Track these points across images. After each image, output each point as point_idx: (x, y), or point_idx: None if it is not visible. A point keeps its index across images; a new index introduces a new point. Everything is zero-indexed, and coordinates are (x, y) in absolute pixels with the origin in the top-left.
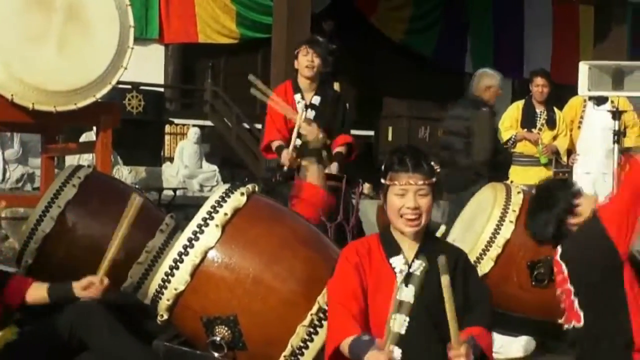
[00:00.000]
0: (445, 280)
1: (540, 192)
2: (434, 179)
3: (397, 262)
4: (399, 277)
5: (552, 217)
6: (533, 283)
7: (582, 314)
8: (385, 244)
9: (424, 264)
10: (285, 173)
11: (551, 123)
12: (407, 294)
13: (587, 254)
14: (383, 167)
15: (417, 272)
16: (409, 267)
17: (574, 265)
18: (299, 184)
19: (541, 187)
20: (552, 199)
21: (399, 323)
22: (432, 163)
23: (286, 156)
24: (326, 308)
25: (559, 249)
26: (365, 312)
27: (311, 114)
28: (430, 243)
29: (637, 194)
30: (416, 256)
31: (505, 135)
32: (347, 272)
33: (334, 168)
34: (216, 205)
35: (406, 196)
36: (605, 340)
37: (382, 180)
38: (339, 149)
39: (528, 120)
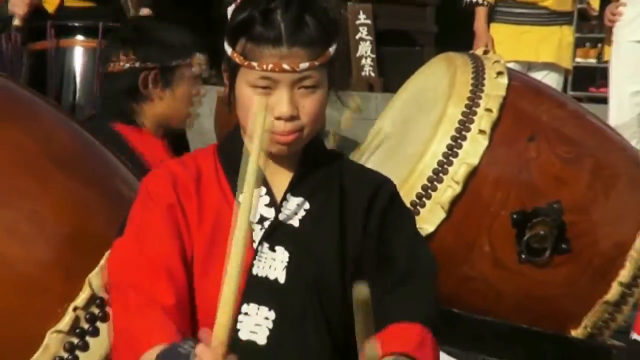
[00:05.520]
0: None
1: None
2: (331, 49)
3: (255, 201)
4: (258, 232)
5: None
6: (522, 256)
7: None
8: (231, 166)
9: (307, 206)
10: (29, 30)
11: None
12: (273, 264)
13: None
14: (230, 19)
15: (295, 222)
16: (278, 211)
17: None
18: None
19: None
20: None
21: (254, 322)
22: (327, 7)
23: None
24: (105, 296)
25: None
26: (186, 300)
27: None
28: (321, 167)
29: None
30: (291, 190)
31: None
32: (151, 224)
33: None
34: None
35: (274, 92)
36: None
37: (228, 50)
38: None
39: None
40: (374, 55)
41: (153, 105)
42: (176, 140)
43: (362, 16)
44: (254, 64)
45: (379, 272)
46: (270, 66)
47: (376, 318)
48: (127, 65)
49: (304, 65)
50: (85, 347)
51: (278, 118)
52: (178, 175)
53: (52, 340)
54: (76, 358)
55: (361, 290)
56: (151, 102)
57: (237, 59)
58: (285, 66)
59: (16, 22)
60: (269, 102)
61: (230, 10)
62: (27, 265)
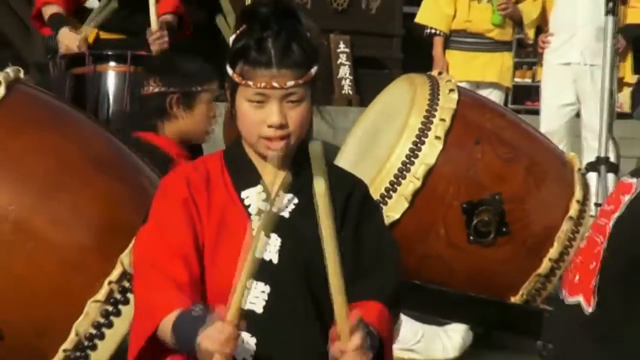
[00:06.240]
0: (320, 187)
1: None
2: (313, 70)
3: (253, 197)
4: (256, 221)
5: None
6: (471, 238)
7: (596, 299)
8: (234, 168)
9: (296, 200)
10: (72, 58)
11: None
12: (269, 248)
13: None
14: (230, 45)
15: (286, 213)
16: (272, 204)
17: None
18: None
19: None
20: None
21: (253, 295)
22: (310, 36)
23: (72, 39)
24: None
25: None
26: (198, 281)
27: None
28: (307, 167)
29: None
30: (284, 187)
31: (427, 18)
32: (169, 216)
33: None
34: None
35: (266, 106)
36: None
37: (229, 71)
38: (165, 17)
39: None
40: (351, 77)
41: (175, 123)
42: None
43: (342, 45)
44: (250, 82)
45: (353, 257)
46: (263, 84)
47: (348, 295)
48: (156, 89)
49: (291, 83)
50: (118, 313)
51: (270, 126)
52: (191, 176)
53: (92, 309)
54: (111, 322)
55: (314, 147)
56: (174, 120)
57: (237, 78)
58: (275, 84)
59: (62, 51)
60: (262, 116)
61: (231, 39)
62: (71, 248)
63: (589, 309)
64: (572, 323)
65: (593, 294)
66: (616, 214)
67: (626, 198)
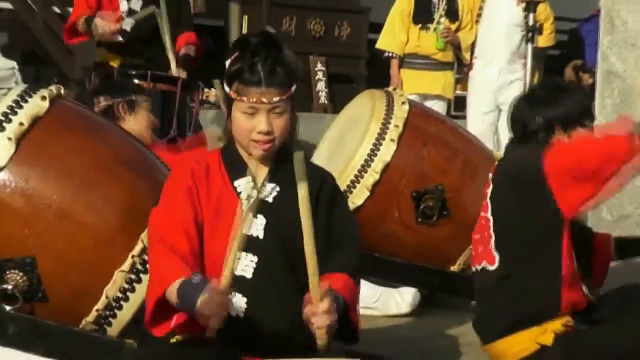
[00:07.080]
0: (302, 190)
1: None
2: (292, 89)
3: (243, 185)
4: (245, 205)
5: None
6: (419, 219)
7: (497, 256)
8: (228, 162)
9: (278, 189)
10: (103, 73)
11: (452, 14)
12: (255, 226)
13: (524, 208)
14: (227, 68)
15: (270, 199)
16: (259, 192)
17: (503, 207)
18: None
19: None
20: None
21: (244, 264)
22: (290, 61)
23: (106, 23)
24: None
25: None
26: (199, 254)
27: (137, 3)
28: (287, 163)
29: (611, 167)
30: (268, 179)
31: (385, 44)
32: (176, 200)
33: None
34: (9, 112)
35: (256, 116)
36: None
37: (226, 89)
38: (185, 50)
39: (422, 12)
40: (327, 90)
41: (124, 123)
42: None
43: (319, 65)
44: (244, 98)
45: (324, 236)
46: (254, 100)
47: (320, 268)
48: (105, 103)
49: (276, 99)
50: (139, 280)
51: (259, 132)
52: (194, 168)
53: (119, 277)
54: (134, 288)
55: (298, 156)
56: (122, 122)
57: (233, 95)
58: (264, 100)
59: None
60: (253, 124)
61: (227, 63)
62: (103, 229)
63: (493, 266)
64: (481, 285)
65: (494, 253)
66: (489, 190)
67: (491, 175)
